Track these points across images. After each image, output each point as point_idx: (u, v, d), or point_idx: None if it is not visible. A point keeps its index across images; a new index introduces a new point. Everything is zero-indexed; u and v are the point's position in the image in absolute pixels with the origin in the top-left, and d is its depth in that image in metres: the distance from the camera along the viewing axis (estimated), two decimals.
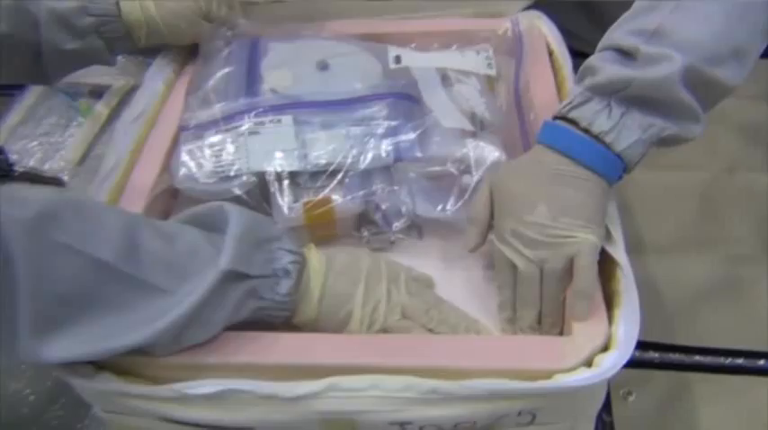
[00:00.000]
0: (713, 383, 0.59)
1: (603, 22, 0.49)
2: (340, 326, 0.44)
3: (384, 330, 0.44)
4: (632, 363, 0.59)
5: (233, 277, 0.39)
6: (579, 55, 0.91)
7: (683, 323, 0.63)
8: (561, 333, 0.45)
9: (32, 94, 0.94)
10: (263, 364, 0.40)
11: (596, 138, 0.45)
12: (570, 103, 0.46)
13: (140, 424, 0.42)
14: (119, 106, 0.91)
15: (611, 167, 0.46)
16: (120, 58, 0.97)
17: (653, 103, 0.44)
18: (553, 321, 0.45)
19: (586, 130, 0.45)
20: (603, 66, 0.45)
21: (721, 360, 0.60)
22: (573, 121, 0.46)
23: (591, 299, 0.42)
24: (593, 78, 0.46)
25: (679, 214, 0.73)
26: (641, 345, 0.61)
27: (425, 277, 0.50)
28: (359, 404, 0.38)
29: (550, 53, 0.62)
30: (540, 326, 0.45)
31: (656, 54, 0.43)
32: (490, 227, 0.49)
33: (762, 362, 0.59)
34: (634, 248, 0.68)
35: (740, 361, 0.60)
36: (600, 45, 0.48)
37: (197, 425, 0.40)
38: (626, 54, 0.45)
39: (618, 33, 0.46)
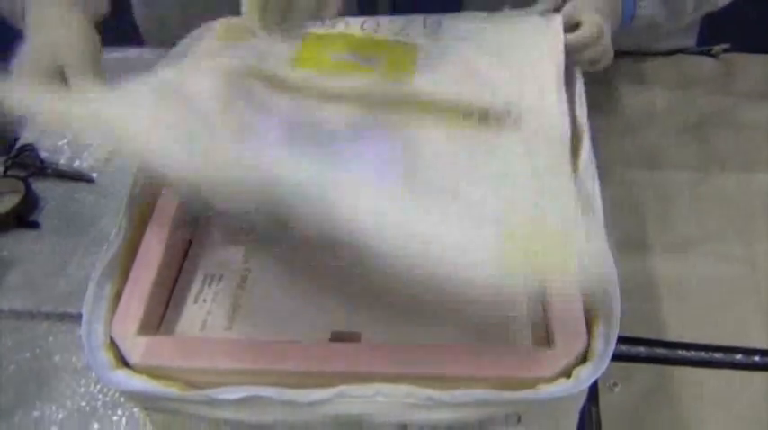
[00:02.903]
0: (695, 376, 0.63)
1: None
2: None
3: None
4: (620, 357, 0.65)
5: None
6: None
7: (670, 319, 0.68)
8: None
9: None
10: (280, 370, 0.46)
11: None
12: None
13: (173, 420, 0.48)
14: None
15: None
16: (141, 51, 1.02)
17: None
18: None
19: None
20: None
21: (702, 355, 0.65)
22: None
23: None
24: None
25: (672, 212, 0.76)
26: (629, 341, 0.66)
27: None
28: (366, 408, 0.43)
29: None
30: None
31: None
32: None
33: (738, 357, 0.64)
34: (625, 245, 0.73)
35: (719, 355, 0.65)
36: None
37: (225, 423, 0.46)
38: None
39: None
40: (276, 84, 0.58)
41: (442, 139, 0.55)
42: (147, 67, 0.97)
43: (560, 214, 0.47)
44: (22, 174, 0.85)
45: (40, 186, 0.85)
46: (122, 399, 0.66)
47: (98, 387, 0.67)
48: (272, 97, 0.56)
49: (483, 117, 0.55)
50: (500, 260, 0.41)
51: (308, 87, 0.57)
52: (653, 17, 0.74)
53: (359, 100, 0.57)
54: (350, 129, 0.54)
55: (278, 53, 0.64)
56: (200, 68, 0.55)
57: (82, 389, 0.67)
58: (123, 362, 0.48)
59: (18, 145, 0.88)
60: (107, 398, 0.66)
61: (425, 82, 0.60)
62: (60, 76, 0.56)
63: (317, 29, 0.67)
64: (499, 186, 0.50)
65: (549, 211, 0.47)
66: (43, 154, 0.88)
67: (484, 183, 0.51)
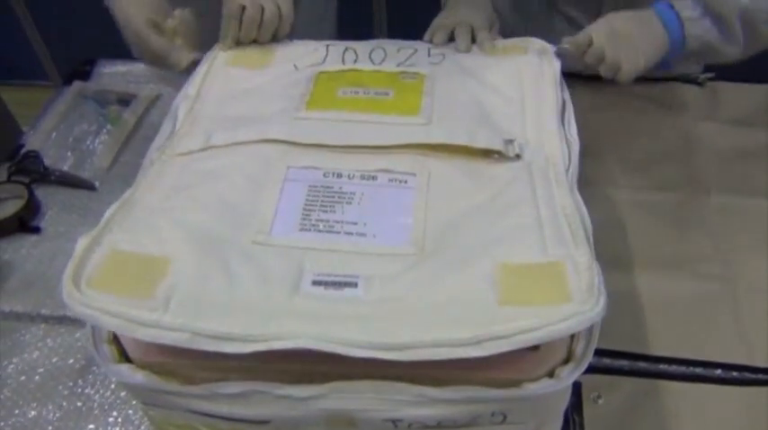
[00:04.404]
0: (676, 390, 0.66)
1: None
2: None
3: None
4: (603, 370, 0.67)
5: None
6: None
7: (652, 334, 0.70)
8: None
9: (64, 100, 1.01)
10: (278, 366, 0.48)
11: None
12: None
13: (174, 415, 0.50)
14: (144, 114, 0.99)
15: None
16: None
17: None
18: None
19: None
20: None
21: (683, 369, 0.67)
22: None
23: None
24: None
25: (655, 232, 0.79)
26: (613, 354, 0.68)
27: None
28: (358, 404, 0.45)
29: None
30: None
31: None
32: None
33: (718, 372, 0.66)
34: (612, 263, 0.75)
35: (699, 370, 0.67)
36: None
37: (223, 417, 0.47)
38: None
39: None
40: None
41: (450, 173, 0.58)
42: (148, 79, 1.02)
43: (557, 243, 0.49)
44: (26, 180, 0.87)
45: (42, 192, 0.87)
46: (117, 401, 0.67)
47: (94, 388, 0.69)
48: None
49: (488, 151, 0.59)
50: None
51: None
52: (704, 37, 0.74)
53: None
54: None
55: (290, 95, 0.66)
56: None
57: (78, 390, 0.68)
58: (125, 357, 0.49)
59: (22, 151, 0.90)
60: (103, 400, 0.68)
61: (434, 123, 0.63)
62: None
63: (329, 67, 0.71)
64: (502, 216, 0.53)
65: (548, 240, 0.50)
66: (47, 161, 0.90)
67: (487, 214, 0.54)
